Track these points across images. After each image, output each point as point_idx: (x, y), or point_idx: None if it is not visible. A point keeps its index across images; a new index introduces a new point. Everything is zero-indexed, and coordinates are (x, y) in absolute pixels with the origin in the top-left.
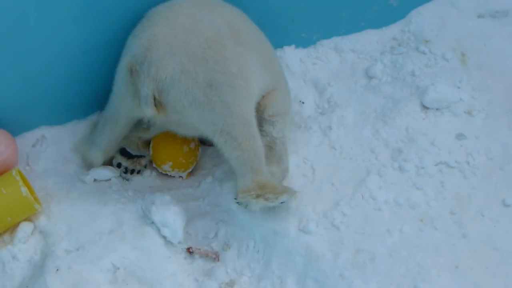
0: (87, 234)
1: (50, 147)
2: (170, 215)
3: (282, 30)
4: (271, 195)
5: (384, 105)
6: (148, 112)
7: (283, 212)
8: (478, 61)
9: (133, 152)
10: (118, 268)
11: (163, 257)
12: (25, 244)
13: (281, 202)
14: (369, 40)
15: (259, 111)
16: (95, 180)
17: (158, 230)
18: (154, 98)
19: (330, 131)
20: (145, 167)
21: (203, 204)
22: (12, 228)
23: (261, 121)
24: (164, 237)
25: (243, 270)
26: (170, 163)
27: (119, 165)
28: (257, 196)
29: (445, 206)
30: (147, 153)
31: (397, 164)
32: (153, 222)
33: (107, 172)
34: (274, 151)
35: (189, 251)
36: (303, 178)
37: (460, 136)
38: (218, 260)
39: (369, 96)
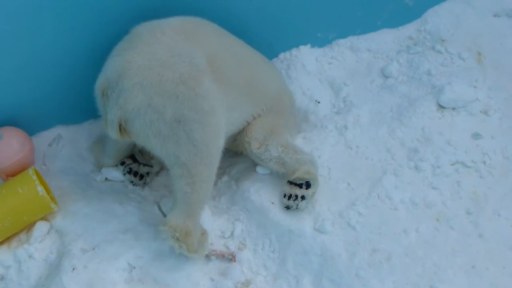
0: (103, 233)
1: (67, 146)
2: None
3: (298, 29)
4: (186, 247)
5: (400, 104)
6: (112, 135)
7: (299, 212)
8: (494, 60)
9: (140, 160)
10: (134, 267)
11: (178, 257)
12: (41, 243)
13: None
14: (385, 39)
15: (246, 145)
16: (106, 179)
17: None
18: (120, 124)
19: (346, 131)
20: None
21: (219, 203)
22: (28, 227)
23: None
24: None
25: (259, 270)
26: None
27: (122, 163)
28: (177, 239)
29: (461, 206)
30: (153, 163)
31: (413, 163)
32: None
33: (118, 173)
34: (286, 163)
35: (208, 255)
36: (319, 178)
37: (476, 136)
38: (235, 260)
39: (385, 95)
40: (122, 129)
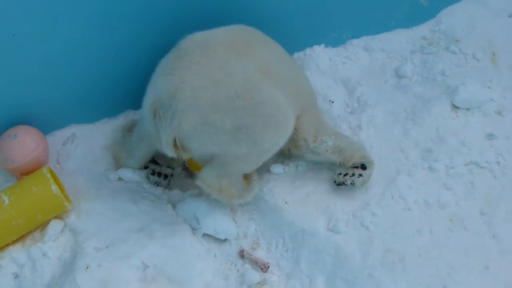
0: (117, 232)
1: (81, 145)
2: (220, 221)
3: (312, 29)
4: (225, 198)
5: (414, 104)
6: (169, 153)
7: (313, 211)
8: (509, 61)
9: (161, 162)
10: (148, 266)
11: (192, 255)
12: (55, 242)
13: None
14: (399, 39)
15: (302, 142)
16: (120, 178)
17: (190, 229)
18: (175, 141)
19: (360, 131)
20: (172, 176)
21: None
22: (42, 226)
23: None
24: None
25: (272, 269)
26: None
27: (145, 167)
28: (212, 194)
29: (475, 206)
30: (175, 165)
31: (427, 164)
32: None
33: (133, 174)
34: (343, 149)
35: (241, 254)
36: (332, 177)
37: (490, 136)
38: (266, 271)
39: (399, 95)
40: (179, 146)
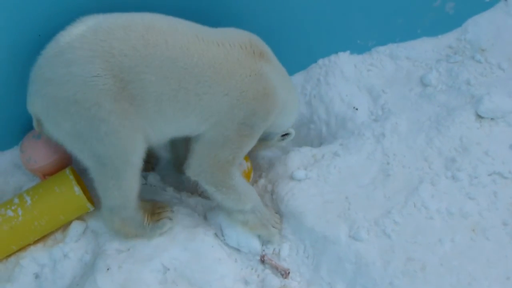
0: None
1: None
2: (243, 234)
3: (337, 35)
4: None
5: (438, 113)
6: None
7: (334, 218)
8: None
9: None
10: (168, 269)
11: (213, 259)
12: (76, 243)
13: None
14: (424, 47)
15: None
16: (143, 181)
17: (211, 233)
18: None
19: (384, 138)
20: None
21: None
22: (64, 227)
23: None
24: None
25: (293, 275)
26: None
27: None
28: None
29: (498, 217)
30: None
31: (450, 173)
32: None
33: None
34: None
35: (262, 259)
36: (355, 185)
37: None
38: (286, 277)
39: (424, 104)
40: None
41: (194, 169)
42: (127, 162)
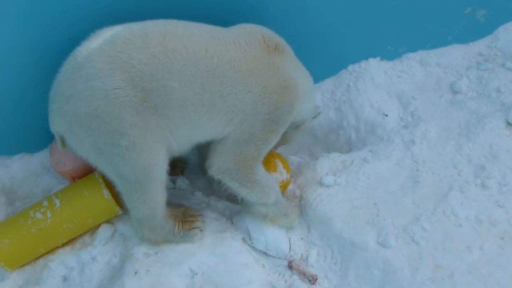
0: None
1: None
2: (271, 238)
3: (368, 42)
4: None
5: (468, 120)
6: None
7: (363, 224)
8: None
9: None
10: (196, 273)
11: (240, 264)
12: (104, 246)
13: None
14: (455, 54)
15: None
16: (173, 186)
17: (239, 238)
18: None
19: (413, 145)
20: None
21: None
22: (92, 230)
23: None
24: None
25: (320, 281)
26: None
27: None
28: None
29: None
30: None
31: (480, 180)
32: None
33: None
34: None
35: (290, 264)
36: (383, 191)
37: None
38: (314, 283)
39: (454, 111)
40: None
41: (219, 168)
42: (150, 177)
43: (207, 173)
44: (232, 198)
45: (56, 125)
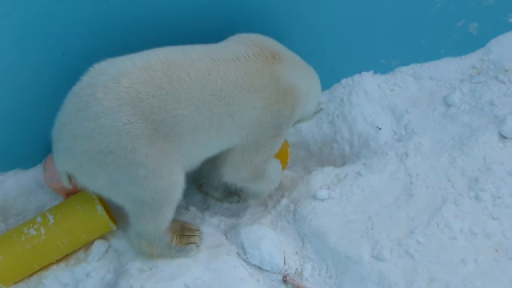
0: None
1: None
2: (266, 252)
3: (361, 55)
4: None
5: (461, 133)
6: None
7: (357, 237)
8: None
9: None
10: None
11: (235, 279)
12: (99, 262)
13: None
14: (448, 68)
15: None
16: None
17: (234, 253)
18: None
19: (407, 158)
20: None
21: (276, 227)
22: (87, 246)
23: None
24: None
25: None
26: None
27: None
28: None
29: None
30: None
31: (474, 193)
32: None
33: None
34: None
35: (285, 279)
36: (378, 204)
37: None
38: None
39: (447, 124)
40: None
41: (233, 177)
42: (168, 198)
43: (201, 189)
44: (228, 213)
45: (65, 164)
